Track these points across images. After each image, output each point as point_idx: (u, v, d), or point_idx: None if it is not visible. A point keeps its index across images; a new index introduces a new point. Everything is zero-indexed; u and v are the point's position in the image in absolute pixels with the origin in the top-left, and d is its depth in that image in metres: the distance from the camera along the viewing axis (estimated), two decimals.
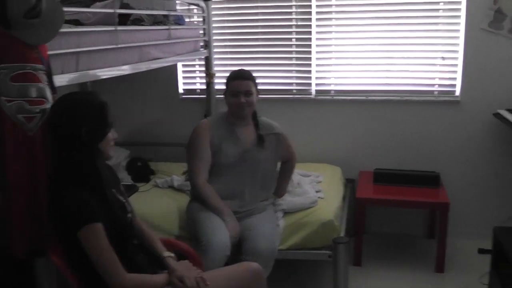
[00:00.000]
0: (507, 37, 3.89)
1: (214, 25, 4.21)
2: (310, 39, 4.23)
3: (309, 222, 3.16)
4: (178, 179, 3.71)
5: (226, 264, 2.63)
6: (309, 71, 4.29)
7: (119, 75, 2.72)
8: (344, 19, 4.18)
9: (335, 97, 4.26)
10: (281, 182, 3.27)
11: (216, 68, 4.25)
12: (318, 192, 3.50)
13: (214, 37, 4.23)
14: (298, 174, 3.60)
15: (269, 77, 4.36)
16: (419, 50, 4.11)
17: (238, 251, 2.83)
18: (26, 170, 1.95)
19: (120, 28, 2.67)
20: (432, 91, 4.15)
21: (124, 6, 2.90)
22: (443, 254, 3.68)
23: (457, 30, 4.01)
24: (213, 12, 4.19)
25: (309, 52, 4.25)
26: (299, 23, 4.23)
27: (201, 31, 4.07)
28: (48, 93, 1.97)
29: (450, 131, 4.13)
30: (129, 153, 4.18)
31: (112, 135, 2.07)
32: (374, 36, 4.14)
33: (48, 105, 1.96)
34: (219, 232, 2.78)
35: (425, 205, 3.95)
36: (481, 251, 3.25)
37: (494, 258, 3.16)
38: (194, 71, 4.53)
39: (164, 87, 4.48)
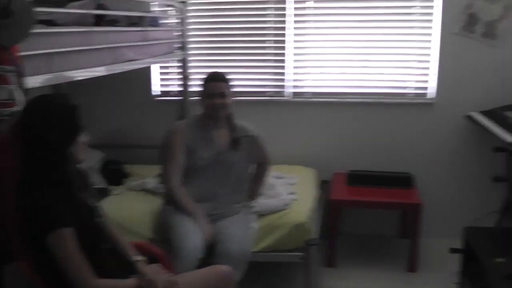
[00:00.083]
0: (480, 41, 3.96)
1: (190, 27, 4.21)
2: (284, 42, 4.25)
3: (282, 225, 3.17)
4: (151, 182, 3.70)
5: (199, 267, 2.62)
6: (284, 73, 4.31)
7: (93, 76, 2.70)
8: (320, 22, 4.21)
9: (310, 99, 4.29)
10: (255, 184, 3.28)
11: (192, 70, 4.25)
12: (291, 194, 3.52)
13: (190, 39, 4.23)
14: (272, 176, 3.61)
15: (245, 79, 4.37)
16: (394, 53, 4.16)
17: (211, 253, 2.83)
18: None
19: (94, 29, 2.66)
20: (406, 94, 4.20)
21: (99, 7, 2.89)
22: (416, 254, 3.74)
23: (430, 34, 4.06)
24: (189, 14, 4.19)
25: (284, 55, 4.27)
26: (274, 25, 4.25)
27: (177, 33, 4.06)
28: (19, 96, 1.94)
29: (423, 133, 4.18)
30: (103, 156, 4.14)
31: (83, 138, 2.06)
32: (349, 39, 4.18)
33: (18, 108, 1.93)
34: (192, 235, 2.77)
35: (398, 206, 4.01)
36: (453, 250, 3.30)
37: (464, 258, 3.22)
38: (169, 73, 4.52)
39: (139, 89, 4.46)
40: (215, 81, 3.04)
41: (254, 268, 2.97)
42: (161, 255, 2.48)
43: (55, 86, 3.72)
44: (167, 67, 4.49)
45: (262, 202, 3.29)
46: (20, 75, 1.94)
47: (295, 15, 4.21)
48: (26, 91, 1.98)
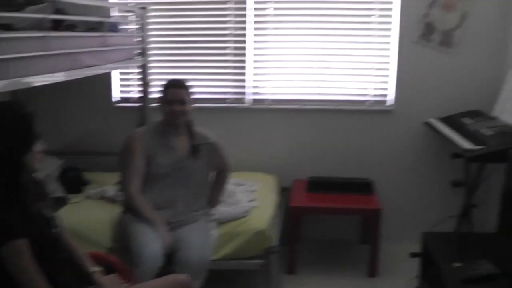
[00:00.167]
0: (437, 49, 4.03)
1: (150, 33, 4.18)
2: (244, 48, 4.25)
3: (242, 232, 3.17)
4: (111, 190, 3.65)
5: (158, 275, 2.60)
6: (244, 80, 4.31)
7: (52, 82, 2.65)
8: (280, 29, 4.22)
9: (270, 106, 4.30)
10: (214, 192, 3.25)
11: (152, 76, 4.21)
12: (251, 201, 3.52)
13: (151, 45, 4.19)
14: (232, 183, 3.59)
15: (205, 86, 4.35)
16: (353, 61, 4.21)
17: (170, 262, 2.80)
18: None
19: (52, 34, 2.60)
20: (365, 101, 4.24)
21: (57, 11, 2.83)
22: (376, 259, 3.77)
23: (389, 42, 4.12)
24: (150, 20, 4.16)
25: (244, 61, 4.28)
26: (235, 32, 4.25)
27: (137, 39, 4.02)
28: None
29: (383, 140, 4.24)
30: (62, 163, 4.07)
31: (39, 147, 2.01)
32: (309, 47, 4.21)
33: None
34: (151, 243, 2.75)
35: (357, 212, 4.03)
36: (413, 255, 3.35)
37: (423, 262, 3.26)
38: (129, 79, 4.47)
39: (99, 95, 4.41)
40: (175, 87, 3.03)
41: (214, 276, 2.96)
42: (118, 265, 2.45)
43: (13, 93, 3.65)
44: (127, 73, 4.44)
45: (222, 210, 3.28)
46: None
47: (255, 22, 4.22)
48: None
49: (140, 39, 4.01)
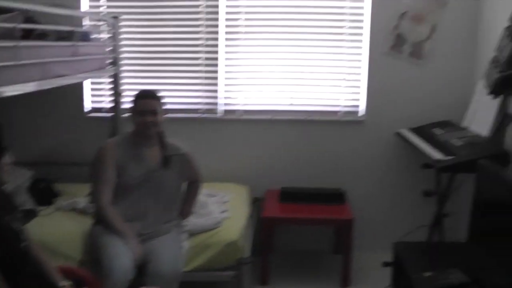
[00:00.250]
0: (407, 60, 4.08)
1: (122, 42, 4.15)
2: (217, 59, 4.25)
3: (213, 243, 3.17)
4: (82, 201, 3.60)
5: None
6: (217, 91, 4.30)
7: (23, 92, 2.61)
8: (252, 40, 4.23)
9: (242, 117, 4.30)
10: (186, 203, 3.24)
11: (124, 86, 4.18)
12: (223, 212, 3.52)
13: (123, 55, 4.17)
14: (204, 194, 3.58)
15: (178, 96, 4.33)
16: (325, 72, 4.23)
17: (142, 274, 2.78)
18: None
19: (22, 43, 2.57)
20: (336, 112, 4.27)
21: (28, 20, 2.81)
22: (349, 268, 3.78)
23: (360, 54, 4.16)
24: (122, 30, 4.13)
25: (216, 72, 4.27)
26: (207, 42, 4.25)
27: (109, 48, 4.00)
28: None
29: (354, 150, 4.26)
30: (32, 174, 3.98)
31: (7, 159, 1.98)
32: (281, 58, 4.22)
33: None
34: (121, 255, 2.72)
35: (330, 222, 4.04)
36: (386, 264, 3.37)
37: (395, 272, 3.28)
38: (101, 89, 4.42)
39: (70, 105, 4.35)
40: (147, 98, 3.01)
41: None
42: (89, 278, 2.42)
43: None
44: (99, 83, 4.40)
45: (193, 221, 3.27)
46: None
47: (227, 32, 4.22)
48: None
49: (112, 48, 3.99)
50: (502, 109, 3.15)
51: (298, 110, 4.27)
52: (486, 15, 3.88)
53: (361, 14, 4.11)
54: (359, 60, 4.17)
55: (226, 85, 4.29)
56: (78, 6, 4.16)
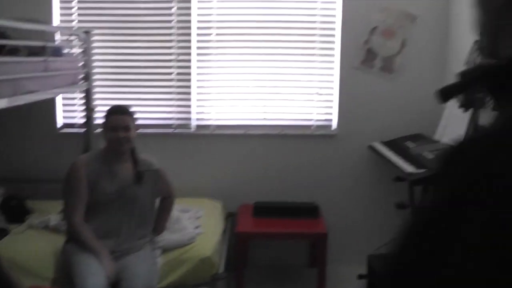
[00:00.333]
0: (378, 75, 4.14)
1: (94, 57, 4.13)
2: (190, 74, 4.26)
3: (187, 259, 3.16)
4: (55, 219, 3.56)
5: None
6: (189, 106, 4.30)
7: None
8: (224, 55, 4.24)
9: (215, 132, 4.30)
10: (160, 219, 3.22)
11: (96, 102, 4.15)
12: (197, 227, 3.51)
13: (95, 70, 4.14)
14: (177, 210, 3.57)
15: (150, 111, 4.32)
16: (297, 86, 4.26)
17: None
18: None
19: None
20: (309, 126, 4.29)
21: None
22: (324, 282, 3.79)
23: (333, 68, 4.20)
24: (94, 44, 4.11)
25: (189, 87, 4.27)
26: (179, 57, 4.25)
27: (81, 63, 3.97)
28: None
29: (328, 164, 4.29)
30: (3, 191, 3.94)
31: None
32: (253, 72, 4.24)
33: None
34: (95, 273, 2.70)
35: (304, 236, 4.06)
36: (361, 277, 3.39)
37: (369, 284, 3.31)
38: (74, 105, 4.39)
39: (42, 120, 4.31)
40: (119, 114, 3.00)
41: None
42: None
43: None
44: (71, 98, 4.36)
45: (167, 237, 3.26)
46: None
47: (198, 47, 4.23)
48: None
49: (83, 63, 3.96)
50: (473, 122, 3.20)
51: (271, 124, 4.29)
52: (455, 30, 3.96)
53: (333, 29, 4.16)
54: (332, 75, 4.21)
55: (199, 100, 4.30)
56: (50, 21, 4.13)
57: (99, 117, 3.94)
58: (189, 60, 4.24)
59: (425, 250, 0.73)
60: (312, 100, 4.27)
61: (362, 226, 4.34)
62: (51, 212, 3.70)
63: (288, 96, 4.27)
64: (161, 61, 4.27)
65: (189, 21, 4.20)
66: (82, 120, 4.19)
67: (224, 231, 3.80)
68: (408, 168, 3.24)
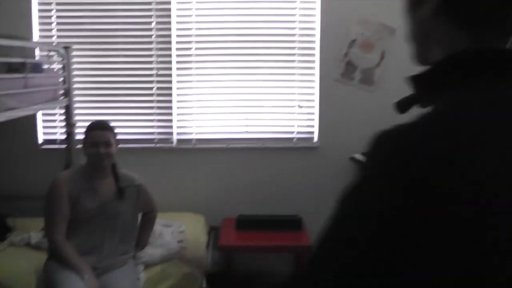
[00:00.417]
0: (358, 87, 4.17)
1: (75, 72, 4.12)
2: (171, 88, 4.26)
3: (171, 274, 3.15)
4: (36, 236, 3.53)
5: None
6: (171, 120, 4.30)
7: None
8: (204, 69, 4.25)
9: (196, 146, 4.30)
10: (142, 234, 3.21)
11: (77, 117, 4.13)
12: (180, 242, 3.49)
13: (75, 85, 4.13)
14: (160, 224, 3.57)
15: (131, 126, 4.31)
16: (279, 99, 4.28)
17: None
18: None
19: None
20: (291, 138, 4.31)
21: None
22: None
23: (313, 81, 4.23)
24: (74, 60, 4.10)
25: (170, 101, 4.27)
26: (159, 72, 4.25)
27: (61, 79, 3.95)
28: None
29: (310, 176, 4.30)
30: None
31: None
32: (234, 86, 4.25)
33: None
34: None
35: (287, 249, 4.05)
36: None
37: None
38: (54, 120, 4.37)
39: (23, 137, 4.28)
40: (100, 129, 2.99)
41: None
42: None
43: None
44: (51, 114, 4.34)
45: (150, 252, 3.24)
46: None
47: (178, 62, 4.24)
48: None
49: (63, 79, 3.94)
50: None
51: (253, 137, 4.29)
52: None
53: (313, 42, 4.19)
54: (312, 87, 4.24)
55: (180, 114, 4.30)
56: (29, 37, 4.11)
57: (80, 133, 3.93)
58: (169, 75, 4.24)
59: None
60: (293, 113, 4.29)
61: None
62: (32, 229, 3.66)
63: (269, 109, 4.28)
64: (142, 76, 4.26)
65: (169, 36, 4.21)
66: (63, 136, 4.17)
67: (208, 245, 3.79)
68: None
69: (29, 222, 3.84)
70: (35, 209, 3.85)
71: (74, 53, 4.10)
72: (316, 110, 4.26)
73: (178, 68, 4.24)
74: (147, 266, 3.17)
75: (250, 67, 4.24)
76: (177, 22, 4.22)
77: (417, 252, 0.79)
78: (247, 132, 4.30)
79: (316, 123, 4.27)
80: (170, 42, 4.22)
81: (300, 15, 4.20)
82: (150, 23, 4.21)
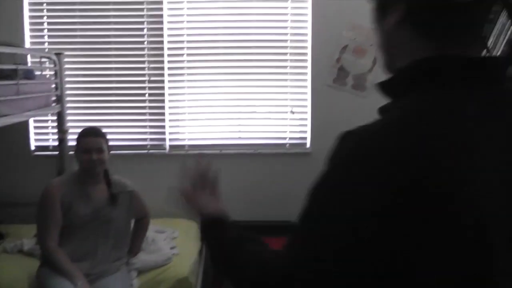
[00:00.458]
0: (351, 92, 4.18)
1: (67, 79, 4.11)
2: (163, 94, 4.26)
3: (164, 280, 3.14)
4: (29, 243, 3.51)
5: None
6: (163, 126, 4.30)
7: None
8: (196, 75, 4.26)
9: (189, 152, 4.30)
10: (135, 240, 3.20)
11: (69, 124, 4.13)
12: (173, 248, 3.49)
13: (67, 92, 4.12)
14: (153, 230, 3.57)
15: (123, 132, 4.31)
16: (271, 105, 4.29)
17: None
18: None
19: None
20: (284, 144, 4.32)
21: None
22: None
23: (306, 86, 4.24)
24: (66, 66, 4.09)
25: (163, 107, 4.28)
26: (151, 78, 4.26)
27: (53, 85, 3.95)
28: None
29: (303, 181, 4.22)
30: None
31: None
32: (226, 92, 4.26)
33: None
34: None
35: None
36: None
37: None
38: (47, 127, 4.36)
39: (15, 143, 4.27)
40: (92, 136, 2.98)
41: None
42: None
43: None
44: (44, 121, 4.34)
45: (143, 258, 3.24)
46: None
47: (170, 68, 4.25)
48: None
49: (55, 85, 3.94)
50: None
51: (246, 143, 4.30)
52: None
53: (305, 47, 4.21)
54: (305, 93, 4.25)
55: (172, 120, 4.30)
56: (21, 44, 4.11)
57: (72, 139, 3.93)
58: (162, 81, 4.25)
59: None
60: (286, 119, 4.30)
61: None
62: (25, 236, 3.65)
63: (262, 115, 4.29)
64: (134, 82, 4.27)
65: (161, 42, 4.22)
66: (55, 143, 4.16)
67: (201, 251, 3.78)
68: None
69: (22, 229, 3.83)
70: (27, 216, 3.84)
71: (66, 59, 4.08)
72: (309, 116, 4.27)
73: (170, 74, 4.25)
74: (140, 272, 3.15)
75: (243, 73, 4.25)
76: (169, 28, 4.23)
77: (417, 252, 0.82)
78: (239, 137, 4.31)
79: (308, 128, 4.28)
80: (162, 48, 4.22)
81: (292, 20, 4.22)
82: (142, 29, 4.22)
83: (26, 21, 4.20)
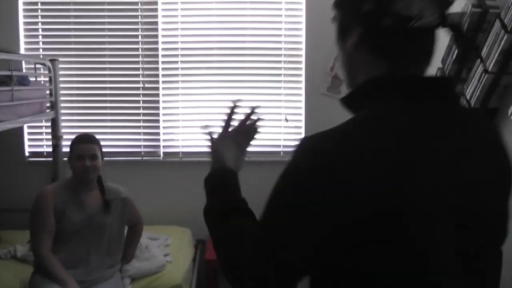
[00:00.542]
0: None
1: (61, 85, 4.11)
2: (158, 101, 4.27)
3: (157, 287, 3.13)
4: (22, 249, 3.50)
5: None
6: (157, 133, 4.31)
7: None
8: (191, 82, 4.27)
9: (183, 159, 4.31)
10: (128, 247, 3.21)
11: (63, 130, 4.13)
12: (166, 255, 3.48)
13: (62, 98, 4.12)
14: (146, 237, 3.56)
15: (118, 139, 4.31)
16: (265, 113, 4.27)
17: None
18: None
19: None
20: (278, 152, 4.33)
21: None
22: None
23: (301, 94, 4.26)
24: (60, 73, 4.10)
25: (157, 115, 4.29)
26: (146, 85, 4.26)
27: (48, 92, 3.95)
28: None
29: None
30: None
31: None
32: (220, 99, 4.26)
33: None
34: None
35: None
36: None
37: None
38: (41, 133, 4.36)
39: (9, 149, 4.26)
40: (86, 142, 2.98)
41: None
42: None
43: None
44: (38, 127, 4.34)
45: (136, 265, 3.23)
46: None
47: (164, 75, 4.26)
48: None
49: (50, 92, 3.94)
50: None
51: None
52: None
53: (299, 55, 4.23)
54: (300, 101, 4.26)
55: (167, 127, 4.31)
56: (15, 50, 4.11)
57: (66, 146, 3.93)
58: (156, 88, 4.26)
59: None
60: (280, 126, 4.31)
61: None
62: (18, 242, 3.64)
63: (256, 123, 4.28)
64: (128, 89, 4.27)
65: (156, 49, 4.23)
66: (49, 149, 4.16)
67: (194, 259, 3.79)
68: None
69: (15, 235, 3.82)
70: (21, 222, 3.82)
71: (61, 65, 4.09)
72: (303, 124, 4.28)
73: (164, 81, 4.26)
74: (134, 279, 3.15)
75: (237, 81, 4.26)
76: (163, 36, 4.25)
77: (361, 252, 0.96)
78: None
79: (302, 136, 4.28)
80: (157, 55, 4.24)
81: (286, 29, 4.24)
82: (136, 36, 4.23)
83: (21, 27, 4.20)
